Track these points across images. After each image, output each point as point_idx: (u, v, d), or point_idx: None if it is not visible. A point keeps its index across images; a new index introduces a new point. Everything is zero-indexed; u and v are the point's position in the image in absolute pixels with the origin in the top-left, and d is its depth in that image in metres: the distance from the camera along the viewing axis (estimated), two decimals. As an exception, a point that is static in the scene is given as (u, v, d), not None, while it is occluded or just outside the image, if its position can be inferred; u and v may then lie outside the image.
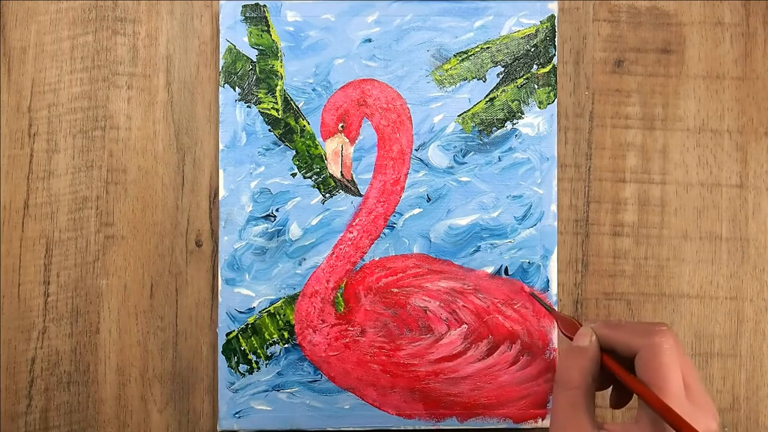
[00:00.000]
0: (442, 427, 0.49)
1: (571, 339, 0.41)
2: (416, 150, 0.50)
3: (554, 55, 0.51)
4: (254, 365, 0.50)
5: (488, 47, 0.51)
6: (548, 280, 0.50)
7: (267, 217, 0.50)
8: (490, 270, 0.50)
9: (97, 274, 0.51)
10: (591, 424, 0.36)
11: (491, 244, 0.50)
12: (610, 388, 0.40)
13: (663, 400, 0.34)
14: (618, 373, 0.37)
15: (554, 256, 0.50)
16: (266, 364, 0.50)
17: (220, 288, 0.50)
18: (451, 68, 0.51)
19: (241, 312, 0.50)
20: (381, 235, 0.50)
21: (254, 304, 0.50)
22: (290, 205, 0.50)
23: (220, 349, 0.50)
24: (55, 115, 0.51)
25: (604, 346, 0.39)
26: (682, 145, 0.51)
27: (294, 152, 0.50)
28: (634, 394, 0.41)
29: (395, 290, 0.50)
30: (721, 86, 0.51)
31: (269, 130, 0.50)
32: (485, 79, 0.51)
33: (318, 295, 0.50)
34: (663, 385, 0.35)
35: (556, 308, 0.50)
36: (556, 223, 0.50)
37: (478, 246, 0.50)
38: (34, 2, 0.51)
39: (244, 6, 0.50)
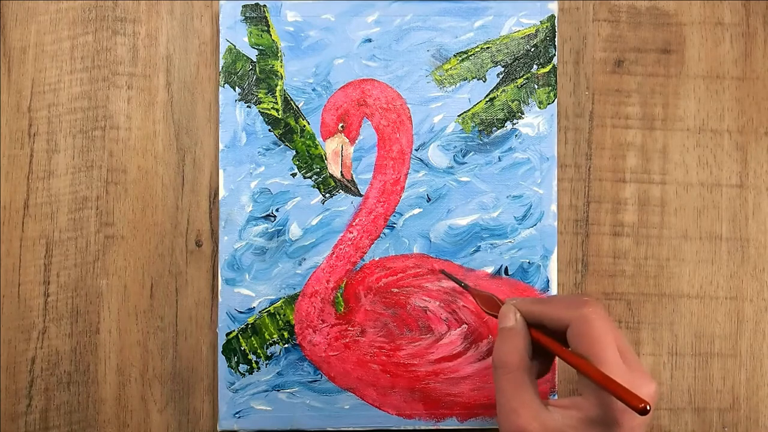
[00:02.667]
0: (442, 427, 0.49)
1: (495, 317, 0.40)
2: (416, 150, 0.50)
3: (554, 55, 0.51)
4: (254, 365, 0.50)
5: (488, 47, 0.51)
6: (548, 280, 0.50)
7: (267, 217, 0.50)
8: (490, 270, 0.50)
9: (97, 274, 0.51)
10: (537, 403, 0.36)
11: (491, 244, 0.50)
12: None
13: (602, 370, 0.34)
14: (552, 347, 0.37)
15: (554, 256, 0.50)
16: (266, 364, 0.50)
17: (220, 288, 0.50)
18: (451, 68, 0.51)
19: (241, 312, 0.50)
20: (381, 235, 0.50)
21: (254, 304, 0.50)
22: (290, 205, 0.50)
23: (220, 349, 0.50)
24: (55, 115, 0.51)
25: (531, 323, 0.38)
26: (682, 145, 0.51)
27: (294, 152, 0.50)
28: (550, 366, 0.40)
29: (395, 290, 0.50)
30: (721, 86, 0.51)
31: (269, 130, 0.50)
32: (485, 79, 0.51)
33: (318, 295, 0.50)
34: (600, 354, 0.34)
35: None
36: (556, 223, 0.50)
37: (478, 246, 0.50)
38: (34, 2, 0.51)
39: (244, 6, 0.50)
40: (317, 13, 0.50)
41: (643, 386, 0.34)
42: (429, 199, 0.50)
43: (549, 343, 0.37)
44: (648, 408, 0.32)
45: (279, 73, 0.50)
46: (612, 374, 0.34)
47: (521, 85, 0.51)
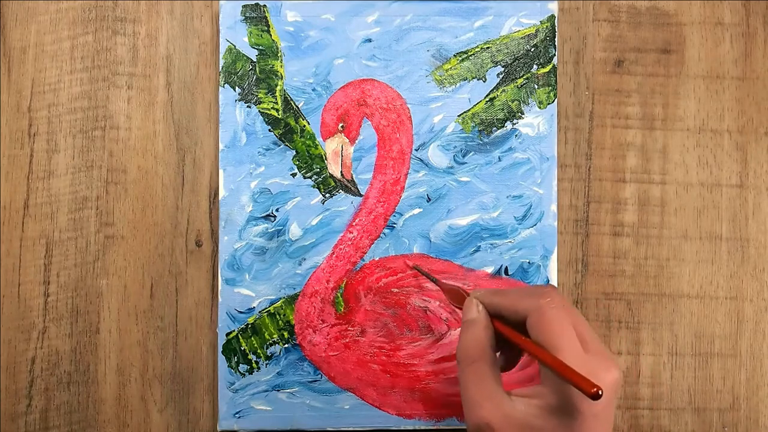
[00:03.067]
0: (442, 427, 0.49)
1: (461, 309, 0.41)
2: (416, 150, 0.50)
3: (554, 55, 0.51)
4: (254, 365, 0.50)
5: (488, 47, 0.51)
6: (548, 280, 0.50)
7: (267, 217, 0.50)
8: (490, 270, 0.50)
9: (97, 274, 0.51)
10: (501, 394, 0.36)
11: (491, 244, 0.50)
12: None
13: (559, 358, 0.34)
14: (511, 336, 0.37)
15: (554, 256, 0.50)
16: (266, 364, 0.50)
17: (220, 288, 0.50)
18: (451, 68, 0.51)
19: (241, 312, 0.50)
20: (381, 235, 0.50)
21: (254, 304, 0.50)
22: (290, 205, 0.50)
23: (220, 349, 0.50)
24: (55, 115, 0.51)
25: (494, 314, 0.38)
26: (682, 145, 0.51)
27: (294, 152, 0.50)
28: (518, 359, 0.40)
29: (395, 290, 0.50)
30: (721, 86, 0.51)
31: (269, 130, 0.50)
32: (485, 79, 0.51)
33: (318, 295, 0.50)
34: (557, 343, 0.34)
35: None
36: (556, 223, 0.50)
37: (478, 246, 0.50)
38: (34, 2, 0.51)
39: (244, 6, 0.50)
40: (317, 13, 0.50)
41: (602, 371, 0.34)
42: (429, 199, 0.50)
43: (509, 333, 0.37)
44: (600, 392, 0.31)
45: (279, 73, 0.50)
46: (569, 361, 0.34)
47: (521, 85, 0.51)
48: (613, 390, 0.34)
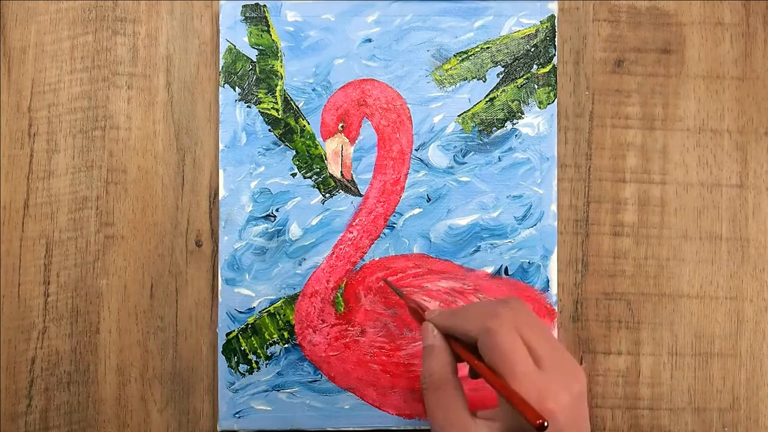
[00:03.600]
0: (442, 427, 0.49)
1: (422, 319, 0.40)
2: (416, 150, 0.50)
3: (554, 55, 0.51)
4: (254, 365, 0.50)
5: (488, 47, 0.51)
6: (548, 280, 0.50)
7: (267, 217, 0.50)
8: (490, 270, 0.50)
9: (97, 274, 0.51)
10: (465, 418, 0.36)
11: (491, 244, 0.50)
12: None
13: (509, 380, 0.34)
14: (468, 360, 0.37)
15: (554, 256, 0.50)
16: (266, 364, 0.50)
17: (220, 288, 0.50)
18: (451, 68, 0.51)
19: (241, 312, 0.50)
20: (381, 235, 0.50)
21: (254, 304, 0.50)
22: (290, 205, 0.50)
23: (220, 349, 0.50)
24: (55, 115, 0.51)
25: (451, 334, 0.38)
26: (682, 145, 0.51)
27: (294, 152, 0.50)
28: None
29: (395, 290, 0.50)
30: (721, 86, 0.51)
31: (269, 130, 0.50)
32: (485, 79, 0.51)
33: (318, 295, 0.50)
34: (507, 366, 0.34)
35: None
36: (556, 223, 0.50)
37: (478, 246, 0.50)
38: (34, 2, 0.51)
39: (244, 6, 0.50)
40: (317, 13, 0.50)
41: (553, 392, 0.33)
42: (429, 199, 0.50)
43: (465, 356, 0.37)
44: (545, 424, 0.31)
45: (279, 73, 0.50)
46: (521, 384, 0.33)
47: (521, 85, 0.51)
48: (569, 408, 0.33)
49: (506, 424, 0.35)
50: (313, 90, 0.50)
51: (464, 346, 0.38)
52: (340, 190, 0.50)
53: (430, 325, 0.39)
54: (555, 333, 0.50)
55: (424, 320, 0.40)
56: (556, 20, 0.50)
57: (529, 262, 0.50)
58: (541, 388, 0.33)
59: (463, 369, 0.39)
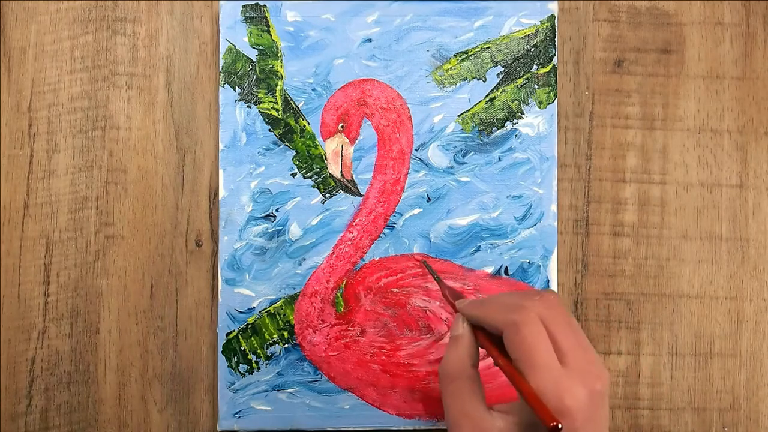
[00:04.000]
0: (442, 427, 0.49)
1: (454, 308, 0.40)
2: (416, 150, 0.50)
3: (554, 55, 0.51)
4: (254, 365, 0.50)
5: (488, 47, 0.51)
6: (548, 280, 0.50)
7: (267, 217, 0.50)
8: (490, 270, 0.50)
9: (97, 274, 0.51)
10: (481, 410, 0.35)
11: (491, 244, 0.50)
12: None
13: (530, 374, 0.33)
14: (491, 354, 0.36)
15: (554, 256, 0.50)
16: (266, 364, 0.50)
17: (220, 288, 0.50)
18: (451, 68, 0.51)
19: (241, 312, 0.50)
20: (381, 235, 0.50)
21: (254, 304, 0.50)
22: (290, 205, 0.50)
23: (220, 349, 0.50)
24: (55, 115, 0.51)
25: (478, 325, 0.38)
26: (682, 145, 0.51)
27: (294, 152, 0.50)
28: None
29: (395, 290, 0.50)
30: (721, 86, 0.51)
31: (269, 130, 0.50)
32: (485, 79, 0.51)
33: (318, 295, 0.50)
34: (530, 361, 0.34)
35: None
36: (556, 223, 0.50)
37: (478, 246, 0.50)
38: (34, 2, 0.51)
39: (244, 6, 0.50)
40: (317, 13, 0.50)
41: (577, 387, 0.33)
42: (429, 199, 0.50)
43: (488, 348, 0.37)
44: (560, 426, 0.31)
45: (279, 73, 0.50)
46: (541, 379, 0.33)
47: (521, 85, 0.51)
48: (587, 407, 0.33)
49: (522, 419, 0.34)
50: (313, 90, 0.50)
51: (490, 338, 0.37)
52: (340, 190, 0.50)
53: (461, 316, 0.39)
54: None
55: (455, 308, 0.40)
56: (556, 20, 0.50)
57: (529, 262, 0.50)
58: (560, 384, 0.33)
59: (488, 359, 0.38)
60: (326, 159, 0.50)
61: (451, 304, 0.42)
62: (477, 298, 0.46)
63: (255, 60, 0.50)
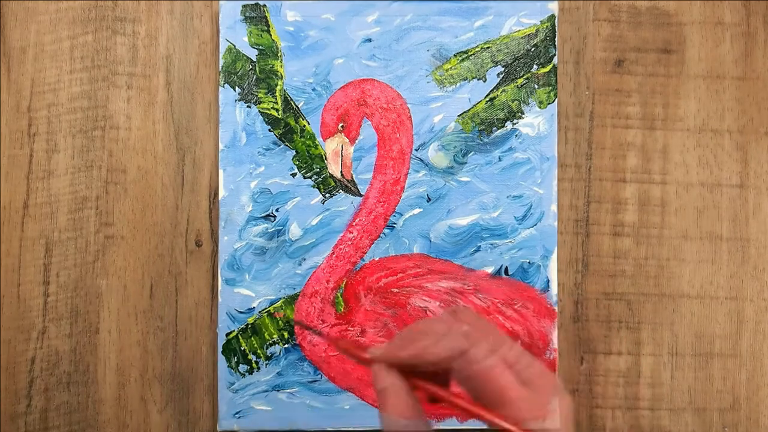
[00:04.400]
0: (442, 427, 0.49)
1: (365, 360, 0.34)
2: (416, 150, 0.50)
3: (554, 55, 0.50)
4: (254, 365, 0.50)
5: (488, 47, 0.51)
6: (548, 280, 0.50)
7: (267, 217, 0.50)
8: (490, 270, 0.50)
9: (97, 274, 0.51)
10: None
11: (491, 244, 0.50)
12: None
13: (502, 408, 0.31)
14: (437, 395, 0.33)
15: (554, 256, 0.50)
16: (266, 364, 0.50)
17: (220, 288, 0.50)
18: (451, 68, 0.51)
19: (241, 312, 0.50)
20: (381, 235, 0.50)
21: (254, 304, 0.50)
22: (290, 205, 0.50)
23: (220, 349, 0.50)
24: (54, 115, 0.51)
25: (408, 371, 0.33)
26: (682, 145, 0.51)
27: (294, 152, 0.50)
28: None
29: (395, 290, 0.50)
30: (722, 86, 0.51)
31: (269, 130, 0.50)
32: (485, 79, 0.51)
33: (318, 295, 0.50)
34: (494, 393, 0.31)
35: (558, 310, 0.50)
36: (556, 223, 0.50)
37: (478, 246, 0.50)
38: (34, 2, 0.51)
39: (244, 6, 0.50)
40: (317, 13, 0.50)
41: (551, 416, 0.30)
42: (429, 199, 0.50)
43: (439, 393, 0.33)
44: None
45: (279, 73, 0.50)
46: (519, 411, 0.31)
47: (521, 85, 0.51)
48: (564, 430, 0.31)
49: None
50: (313, 90, 0.50)
51: (428, 379, 0.33)
52: (340, 190, 0.50)
53: (383, 367, 0.33)
54: (555, 333, 0.50)
55: (367, 360, 0.34)
56: (556, 20, 0.50)
57: (529, 262, 0.50)
58: (536, 412, 0.31)
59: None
60: (326, 159, 0.50)
61: (356, 359, 0.35)
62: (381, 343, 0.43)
63: (255, 60, 0.50)
